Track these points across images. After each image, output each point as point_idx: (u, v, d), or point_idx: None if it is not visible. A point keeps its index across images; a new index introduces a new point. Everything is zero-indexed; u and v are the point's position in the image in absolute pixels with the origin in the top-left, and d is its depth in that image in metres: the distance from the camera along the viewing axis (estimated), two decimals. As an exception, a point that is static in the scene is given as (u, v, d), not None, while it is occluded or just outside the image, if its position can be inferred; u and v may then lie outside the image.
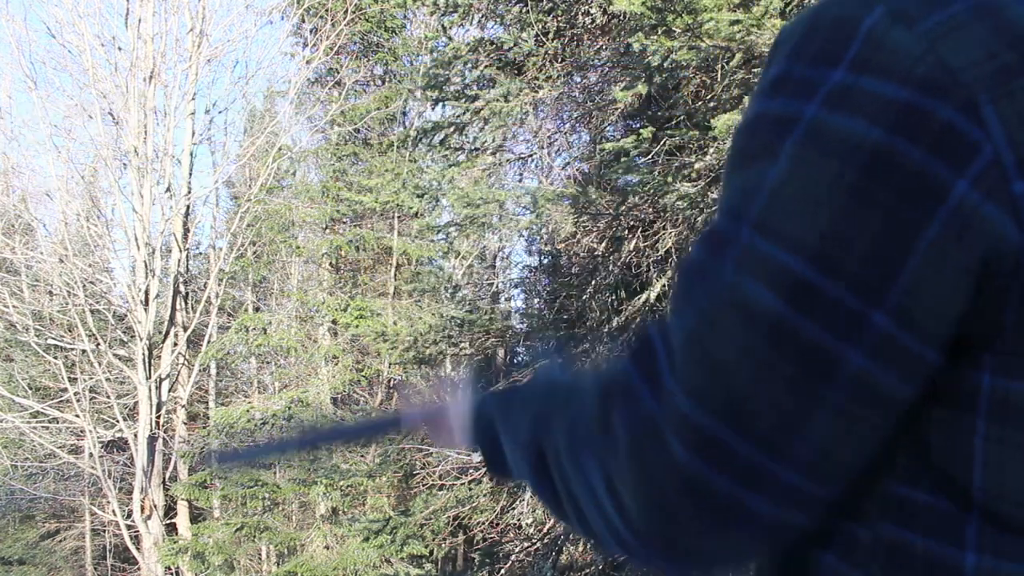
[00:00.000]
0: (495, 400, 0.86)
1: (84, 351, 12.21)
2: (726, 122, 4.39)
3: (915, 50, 0.49)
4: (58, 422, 12.71)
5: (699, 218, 5.35)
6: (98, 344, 12.12)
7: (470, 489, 8.53)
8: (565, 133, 7.87)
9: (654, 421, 0.53)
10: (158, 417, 12.11)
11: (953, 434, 0.50)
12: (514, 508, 7.81)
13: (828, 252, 0.49)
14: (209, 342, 13.66)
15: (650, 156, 5.96)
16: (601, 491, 0.58)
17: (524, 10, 6.88)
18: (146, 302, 11.82)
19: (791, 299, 0.49)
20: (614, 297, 7.14)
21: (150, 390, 11.85)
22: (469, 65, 7.34)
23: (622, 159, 6.15)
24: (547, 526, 7.40)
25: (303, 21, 13.45)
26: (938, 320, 0.49)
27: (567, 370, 0.86)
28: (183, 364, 13.24)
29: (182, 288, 13.16)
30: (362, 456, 11.30)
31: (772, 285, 0.50)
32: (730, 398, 0.51)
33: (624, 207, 6.20)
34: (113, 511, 12.27)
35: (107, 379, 12.31)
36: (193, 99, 12.89)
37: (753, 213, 0.52)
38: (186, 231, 12.90)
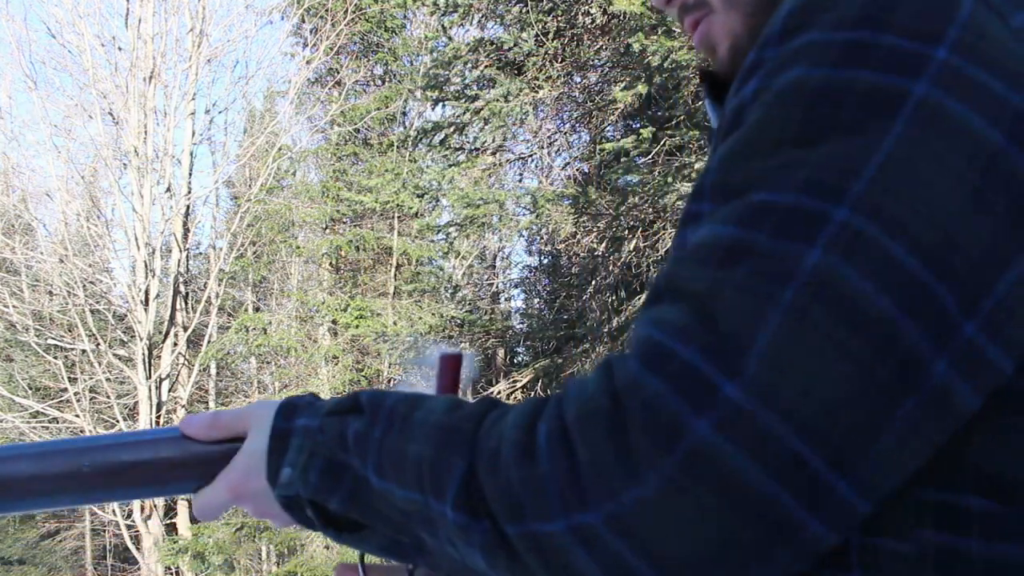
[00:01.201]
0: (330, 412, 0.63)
1: (84, 351, 12.21)
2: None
3: (1018, 50, 0.47)
4: (58, 422, 12.71)
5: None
6: (98, 344, 12.12)
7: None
8: (565, 133, 7.87)
9: (710, 446, 0.43)
10: (158, 417, 12.11)
11: (997, 433, 0.49)
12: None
13: (942, 251, 0.45)
14: (209, 342, 13.67)
15: (650, 156, 5.97)
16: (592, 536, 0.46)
17: (524, 10, 6.88)
18: (146, 302, 11.82)
19: (900, 296, 0.44)
20: (614, 297, 7.14)
21: (150, 390, 11.85)
22: (469, 65, 7.35)
23: (622, 159, 6.16)
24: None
25: (303, 21, 13.45)
26: (1022, 331, 0.47)
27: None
28: (183, 364, 13.24)
29: (182, 288, 13.16)
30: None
31: (878, 276, 0.44)
32: (817, 407, 0.44)
33: (624, 207, 6.20)
34: (113, 511, 12.28)
35: (107, 379, 12.32)
36: (193, 99, 12.90)
37: (855, 192, 0.45)
38: (186, 231, 12.91)
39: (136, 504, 11.95)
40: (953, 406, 0.46)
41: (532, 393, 7.54)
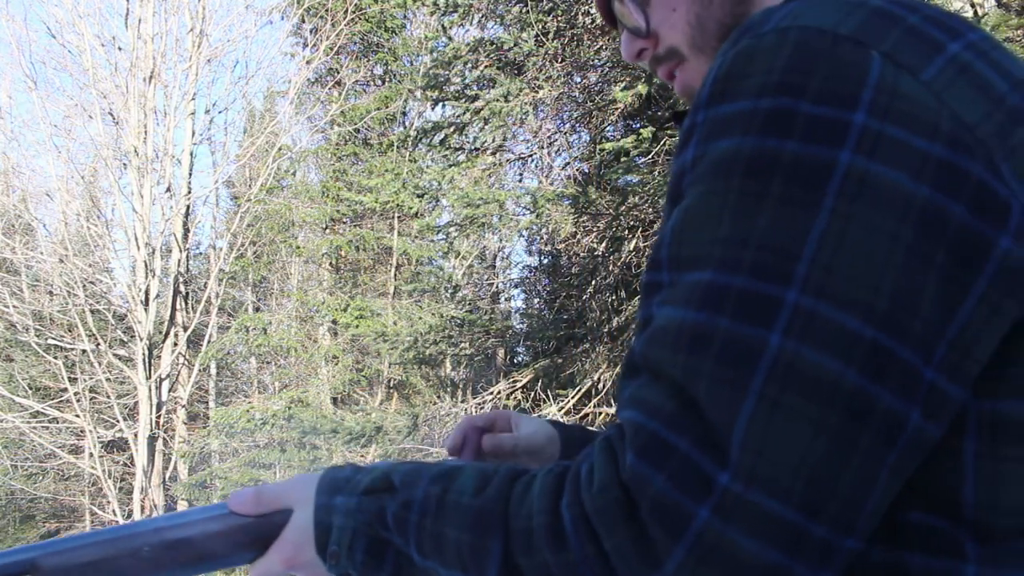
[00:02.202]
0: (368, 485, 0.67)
1: (84, 351, 12.21)
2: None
3: (930, 103, 0.49)
4: (58, 422, 12.71)
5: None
6: (98, 344, 12.12)
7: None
8: (565, 133, 7.87)
9: (714, 532, 0.46)
10: (158, 417, 12.11)
11: (944, 455, 0.51)
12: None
13: (893, 313, 0.47)
14: (209, 342, 13.67)
15: (650, 156, 5.97)
16: None
17: (524, 10, 6.88)
18: (146, 302, 11.82)
19: (864, 365, 0.47)
20: (614, 297, 7.14)
21: (150, 390, 11.85)
22: (469, 65, 7.35)
23: (622, 159, 6.16)
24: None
25: (303, 21, 13.45)
26: (976, 365, 0.50)
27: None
28: (183, 364, 13.24)
29: (182, 288, 13.16)
30: (362, 456, 11.30)
31: (841, 353, 0.47)
32: (807, 481, 0.46)
33: (624, 207, 6.21)
34: (113, 511, 12.27)
35: (107, 379, 12.32)
36: (193, 99, 12.89)
37: (800, 273, 0.48)
38: (186, 231, 12.91)
39: (136, 504, 11.95)
40: (925, 443, 0.49)
41: (532, 393, 7.54)
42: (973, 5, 4.38)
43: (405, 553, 0.63)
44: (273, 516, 0.72)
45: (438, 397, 10.18)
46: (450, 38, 7.90)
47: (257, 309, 15.28)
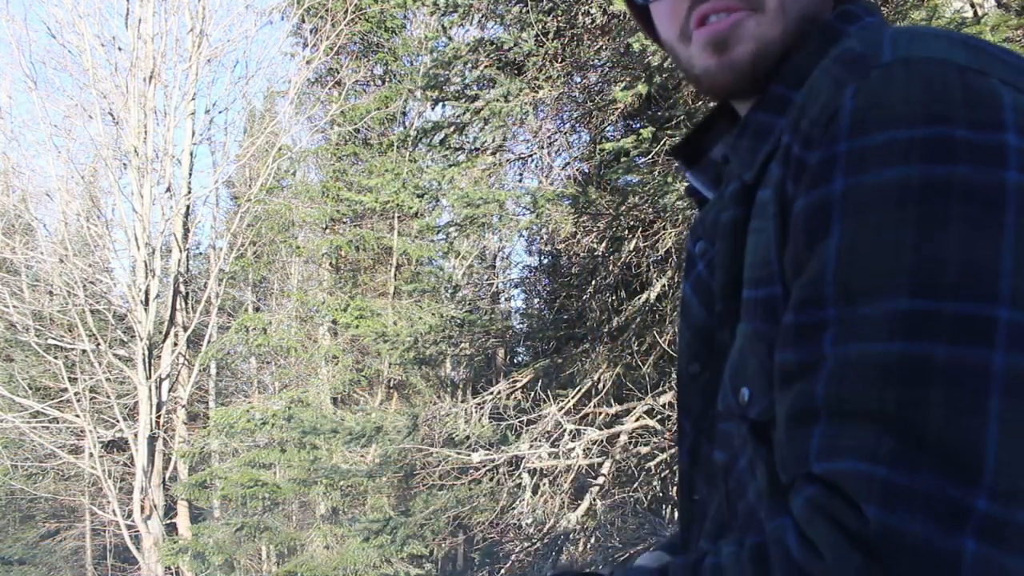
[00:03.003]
0: None
1: (84, 351, 12.21)
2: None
3: None
4: (58, 422, 12.71)
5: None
6: (98, 344, 12.12)
7: (470, 489, 8.53)
8: (565, 133, 7.87)
9: (983, 559, 0.46)
10: (158, 417, 12.11)
11: None
12: (514, 508, 7.81)
13: None
14: (209, 342, 13.67)
15: (650, 156, 5.96)
16: None
17: (524, 10, 6.88)
18: (146, 302, 11.82)
19: None
20: (614, 297, 7.14)
21: (150, 390, 11.85)
22: (469, 65, 7.34)
23: (622, 159, 6.15)
24: (547, 526, 7.41)
25: (303, 21, 13.45)
26: None
27: None
28: (183, 364, 13.24)
29: (182, 288, 13.16)
30: (362, 456, 11.30)
31: None
32: None
33: (624, 207, 6.20)
34: (113, 511, 12.27)
35: (107, 379, 12.31)
36: (193, 99, 12.89)
37: (1006, 289, 0.49)
38: (186, 231, 12.90)
39: (136, 504, 11.95)
40: None
41: (532, 393, 7.53)
42: (973, 5, 4.38)
43: None
44: None
45: (438, 397, 10.18)
46: (450, 38, 7.90)
47: (257, 309, 15.27)
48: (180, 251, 12.79)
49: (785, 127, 0.62)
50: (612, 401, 7.19)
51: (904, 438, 0.48)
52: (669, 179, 5.44)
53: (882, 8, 4.52)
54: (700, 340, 0.75)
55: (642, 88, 5.61)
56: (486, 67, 7.15)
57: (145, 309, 11.76)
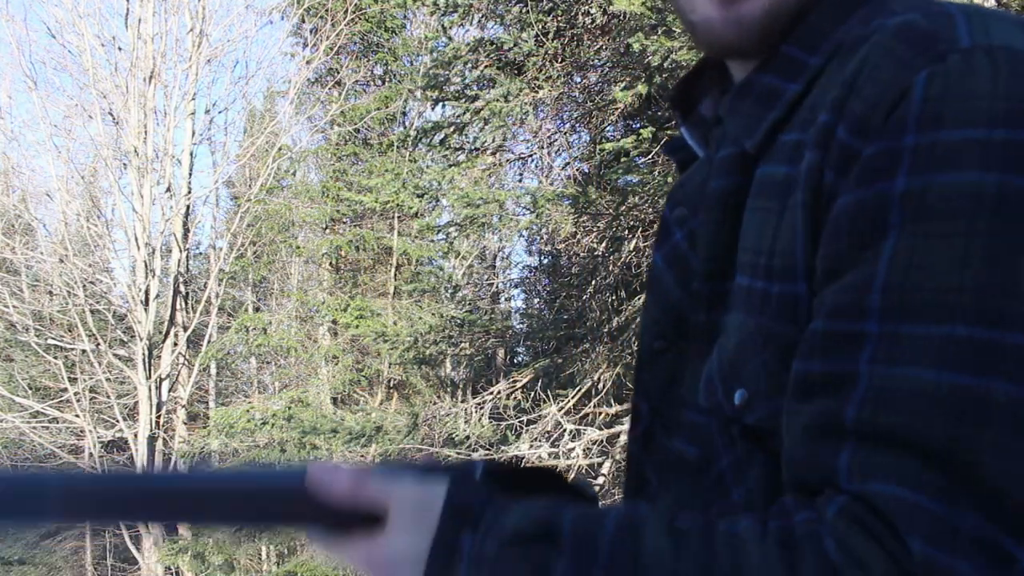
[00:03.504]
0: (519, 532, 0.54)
1: (84, 351, 12.21)
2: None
3: None
4: (58, 422, 12.70)
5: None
6: (98, 344, 12.11)
7: (470, 489, 8.51)
8: (565, 133, 7.87)
9: None
10: (158, 417, 12.11)
11: None
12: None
13: None
14: (209, 342, 13.66)
15: (650, 156, 5.97)
16: None
17: (524, 10, 6.87)
18: (146, 302, 11.82)
19: None
20: (614, 297, 7.14)
21: (150, 390, 11.84)
22: (469, 65, 7.34)
23: (622, 159, 6.16)
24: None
25: (303, 21, 13.45)
26: None
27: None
28: (183, 364, 13.24)
29: (182, 288, 13.16)
30: (362, 456, 11.30)
31: None
32: None
33: (624, 207, 6.20)
34: (113, 511, 12.26)
35: (107, 379, 12.31)
36: (193, 99, 12.89)
37: None
38: (186, 231, 12.90)
39: (136, 504, 11.92)
40: None
41: (532, 393, 7.54)
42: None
43: None
44: (359, 513, 0.59)
45: (438, 397, 10.18)
46: (450, 38, 7.90)
47: (257, 309, 15.27)
48: (180, 251, 12.79)
49: (821, 103, 0.55)
50: (612, 401, 7.19)
51: (952, 475, 0.44)
52: (669, 179, 5.44)
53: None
54: (669, 318, 0.67)
55: (642, 88, 5.61)
56: (486, 67, 7.15)
57: (145, 309, 11.76)
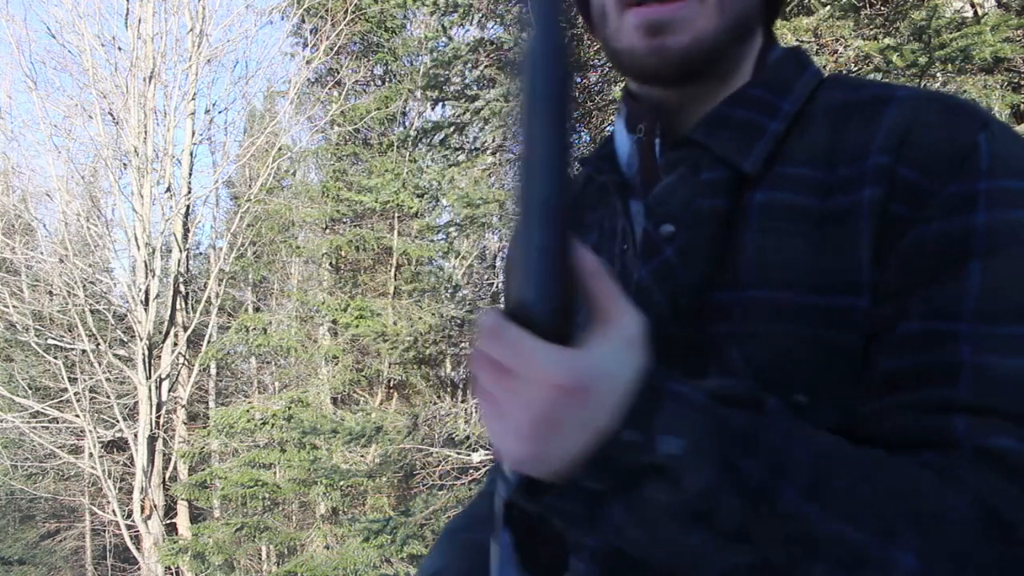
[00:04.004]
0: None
1: (84, 351, 12.21)
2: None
3: None
4: (58, 422, 12.71)
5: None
6: (98, 344, 12.11)
7: (470, 489, 8.53)
8: (565, 133, 7.85)
9: None
10: (158, 417, 12.11)
11: None
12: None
13: None
14: (209, 342, 13.66)
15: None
16: None
17: (524, 10, 6.87)
18: (146, 302, 11.82)
19: None
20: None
21: (150, 390, 11.84)
22: (469, 65, 7.34)
23: (622, 159, 6.14)
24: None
25: (303, 21, 13.45)
26: None
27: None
28: (183, 364, 13.24)
29: (182, 288, 13.16)
30: (362, 456, 11.30)
31: None
32: None
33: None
34: (113, 511, 12.27)
35: (107, 379, 12.31)
36: (193, 99, 12.89)
37: None
38: (186, 231, 12.90)
39: (136, 504, 11.95)
40: None
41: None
42: (973, 5, 4.38)
43: (773, 497, 0.49)
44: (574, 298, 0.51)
45: (438, 397, 10.18)
46: (450, 38, 7.89)
47: (257, 309, 15.27)
48: (180, 251, 12.79)
49: (874, 148, 0.64)
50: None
51: None
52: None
53: (882, 8, 4.52)
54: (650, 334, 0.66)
55: (642, 88, 5.60)
56: (486, 67, 7.14)
57: (145, 309, 11.77)
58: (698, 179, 0.70)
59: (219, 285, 13.59)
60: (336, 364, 12.68)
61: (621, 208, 0.75)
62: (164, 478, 12.58)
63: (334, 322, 12.77)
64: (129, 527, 12.24)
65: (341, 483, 11.04)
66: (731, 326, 0.65)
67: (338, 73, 13.51)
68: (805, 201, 0.65)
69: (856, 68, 4.07)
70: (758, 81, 0.73)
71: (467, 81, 7.45)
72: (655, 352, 0.55)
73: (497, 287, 14.37)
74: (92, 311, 12.29)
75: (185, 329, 12.79)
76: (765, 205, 0.67)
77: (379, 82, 14.17)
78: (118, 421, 12.14)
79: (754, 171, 0.68)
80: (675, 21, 0.67)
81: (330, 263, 13.99)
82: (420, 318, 9.88)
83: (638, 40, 0.69)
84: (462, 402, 8.53)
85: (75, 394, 12.15)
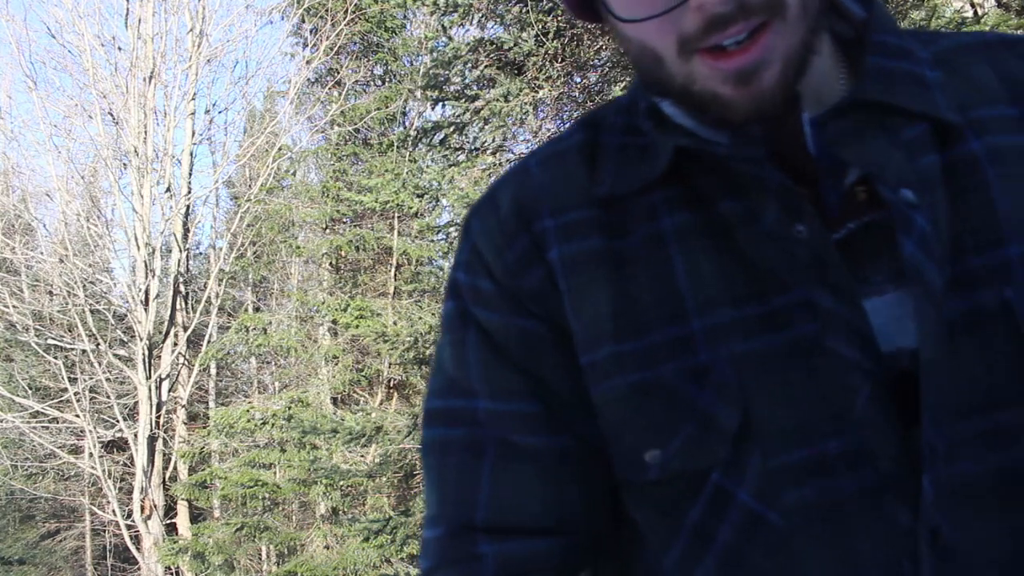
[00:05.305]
0: None
1: (84, 351, 12.22)
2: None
3: None
4: (58, 422, 12.71)
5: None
6: (98, 344, 12.12)
7: (470, 489, 8.51)
8: (565, 133, 7.86)
9: None
10: (158, 417, 12.11)
11: None
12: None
13: None
14: (209, 342, 13.67)
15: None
16: None
17: (524, 10, 6.87)
18: (146, 302, 11.82)
19: None
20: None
21: (150, 390, 11.85)
22: (469, 65, 7.35)
23: (622, 159, 6.14)
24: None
25: (303, 21, 13.45)
26: None
27: None
28: (183, 364, 13.24)
29: (182, 288, 13.16)
30: (362, 456, 11.30)
31: None
32: None
33: (624, 207, 6.19)
34: (113, 511, 12.27)
35: (107, 379, 12.32)
36: (193, 99, 12.90)
37: None
38: (186, 231, 12.91)
39: (136, 504, 11.95)
40: None
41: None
42: (973, 5, 4.39)
43: None
44: None
45: (438, 397, 10.16)
46: (450, 38, 7.89)
47: (257, 309, 15.28)
48: (180, 251, 12.80)
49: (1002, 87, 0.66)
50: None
51: None
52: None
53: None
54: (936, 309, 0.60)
55: (642, 88, 5.60)
56: (486, 67, 7.15)
57: (145, 309, 11.77)
58: (899, 139, 0.63)
59: (219, 285, 13.59)
60: (336, 364, 12.68)
61: (782, 192, 0.62)
62: (164, 478, 12.58)
63: (334, 322, 12.77)
64: (129, 527, 12.25)
65: (341, 483, 11.04)
66: (1018, 289, 0.59)
67: (338, 73, 13.51)
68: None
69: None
70: (880, 27, 0.66)
71: (467, 81, 7.45)
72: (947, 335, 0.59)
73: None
74: (92, 311, 12.29)
75: (185, 329, 12.79)
76: (992, 153, 0.62)
77: (379, 82, 14.17)
78: (118, 421, 12.14)
79: (959, 120, 0.63)
80: (762, 61, 0.58)
81: (330, 263, 13.99)
82: (420, 318, 9.88)
83: (728, 90, 0.59)
84: (462, 402, 8.50)
85: (75, 394, 12.15)
